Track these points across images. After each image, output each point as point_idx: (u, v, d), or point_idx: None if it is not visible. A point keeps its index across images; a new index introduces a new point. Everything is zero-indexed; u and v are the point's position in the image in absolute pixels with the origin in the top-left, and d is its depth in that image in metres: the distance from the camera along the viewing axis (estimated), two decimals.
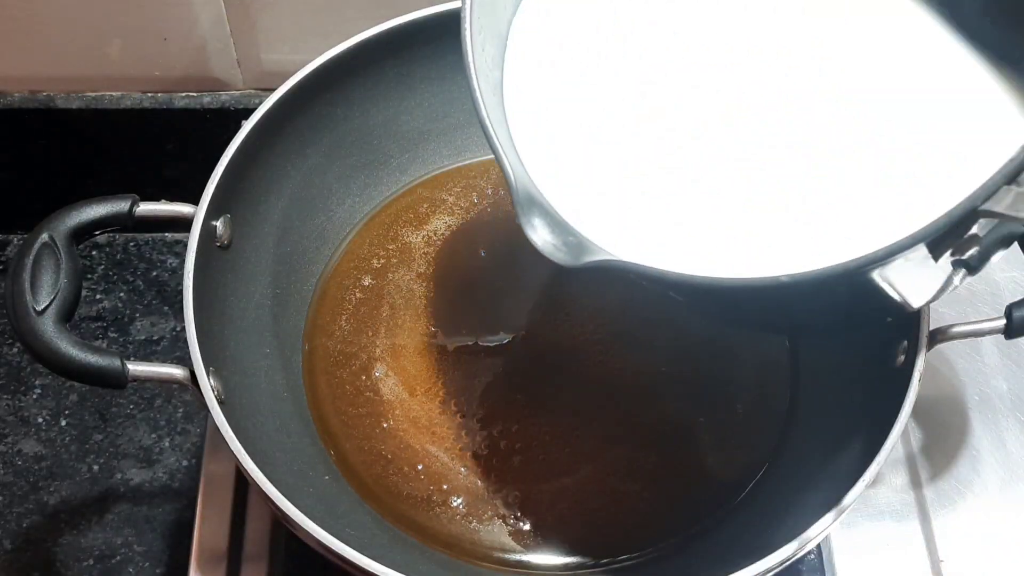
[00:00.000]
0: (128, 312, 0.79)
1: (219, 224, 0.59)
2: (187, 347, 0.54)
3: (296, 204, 0.67)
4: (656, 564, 0.59)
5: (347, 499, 0.61)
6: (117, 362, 0.52)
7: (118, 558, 0.69)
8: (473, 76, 0.48)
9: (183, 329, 0.61)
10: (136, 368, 0.53)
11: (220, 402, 0.53)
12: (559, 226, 0.48)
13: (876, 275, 0.45)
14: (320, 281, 0.68)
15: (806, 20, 0.55)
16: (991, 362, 0.71)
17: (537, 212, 0.47)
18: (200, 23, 0.72)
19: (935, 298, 0.50)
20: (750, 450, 0.63)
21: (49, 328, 0.52)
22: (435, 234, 0.70)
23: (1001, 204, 0.41)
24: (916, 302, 0.50)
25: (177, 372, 0.54)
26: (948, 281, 0.47)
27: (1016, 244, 0.55)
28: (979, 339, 0.70)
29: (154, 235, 0.82)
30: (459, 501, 0.61)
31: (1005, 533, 0.66)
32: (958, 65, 0.52)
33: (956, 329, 0.56)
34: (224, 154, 0.59)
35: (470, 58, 0.48)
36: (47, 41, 0.73)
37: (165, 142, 0.78)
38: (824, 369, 0.64)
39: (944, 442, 0.69)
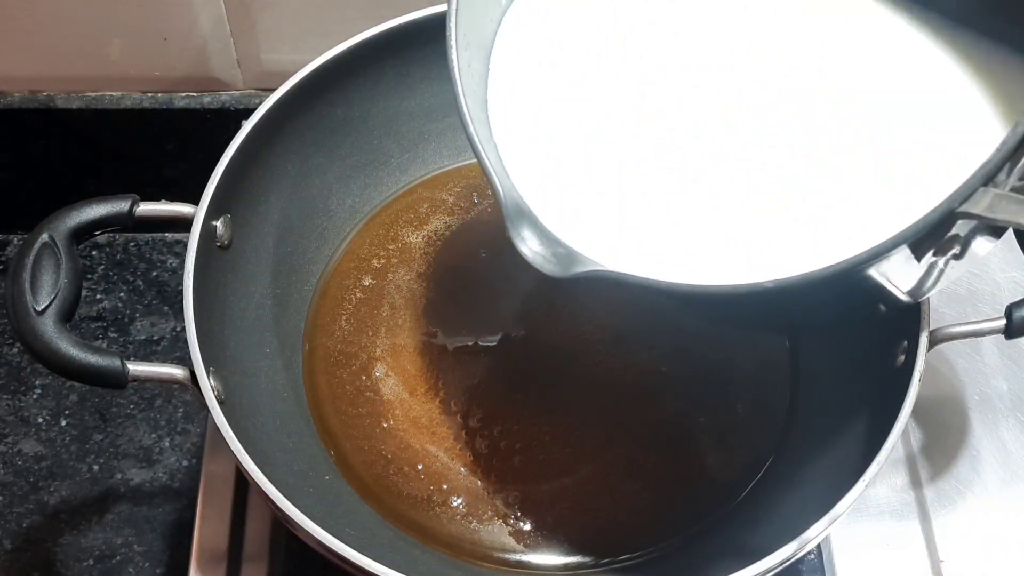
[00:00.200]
0: (128, 312, 0.79)
1: (219, 224, 0.59)
2: (187, 347, 0.54)
3: (296, 204, 0.67)
4: (656, 564, 0.59)
5: (347, 499, 0.61)
6: (117, 362, 0.52)
7: (118, 558, 0.69)
8: (460, 95, 0.49)
9: (183, 329, 0.61)
10: (136, 368, 0.53)
11: (220, 402, 0.53)
12: (548, 238, 0.48)
13: (869, 273, 0.46)
14: (320, 281, 0.68)
15: (806, 20, 0.55)
16: (991, 362, 0.71)
17: (526, 224, 0.48)
18: (200, 23, 0.72)
19: (930, 291, 0.50)
20: (750, 450, 0.63)
21: (49, 328, 0.52)
22: (435, 234, 0.70)
23: (979, 206, 0.41)
24: (913, 296, 0.50)
25: (177, 372, 0.54)
26: (940, 273, 0.47)
27: (1016, 242, 0.55)
28: (979, 339, 0.70)
29: (154, 235, 0.82)
30: (459, 501, 0.61)
31: (1005, 533, 0.66)
32: (945, 67, 0.52)
33: (956, 329, 0.56)
34: (224, 154, 0.59)
35: (457, 76, 0.49)
36: (47, 41, 0.73)
37: (165, 142, 0.78)
38: (824, 369, 0.64)
39: (944, 442, 0.69)
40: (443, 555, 0.60)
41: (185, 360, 0.54)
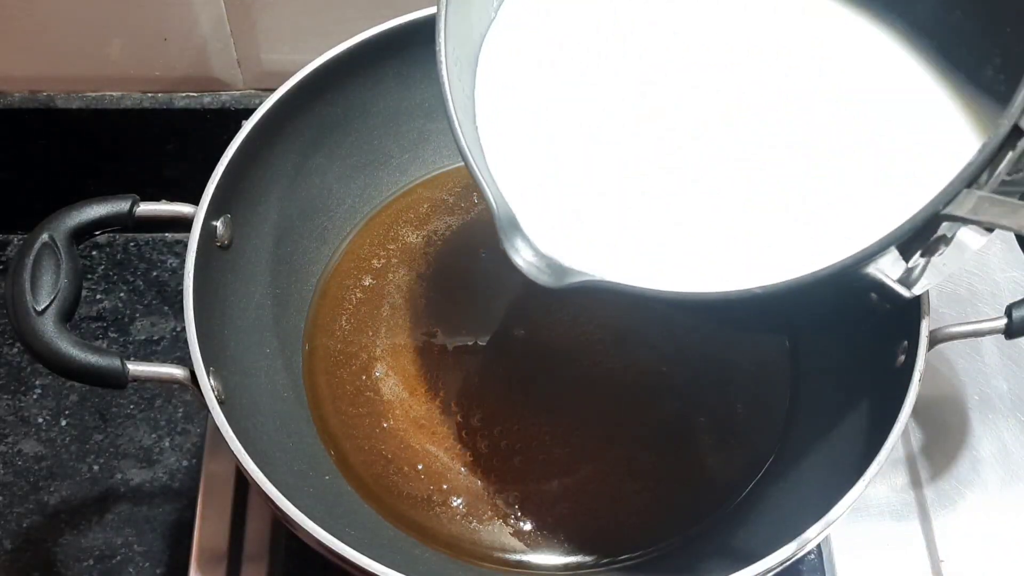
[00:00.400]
0: (128, 312, 0.79)
1: (219, 224, 0.59)
2: (187, 347, 0.54)
3: (296, 204, 0.67)
4: (656, 564, 0.59)
5: (347, 499, 0.61)
6: (117, 362, 0.52)
7: (118, 558, 0.69)
8: (451, 109, 0.49)
9: (183, 329, 0.61)
10: (136, 368, 0.53)
11: (220, 402, 0.53)
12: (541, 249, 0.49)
13: (863, 272, 0.46)
14: (320, 281, 0.68)
15: (806, 20, 0.55)
16: (991, 362, 0.71)
17: (519, 235, 0.49)
18: (200, 23, 0.72)
19: (926, 285, 0.50)
20: (750, 450, 0.63)
21: (49, 328, 0.52)
22: (435, 234, 0.70)
23: (962, 208, 0.41)
24: (907, 286, 0.50)
25: (177, 372, 0.54)
26: (935, 268, 0.48)
27: (1016, 242, 0.55)
28: (979, 339, 0.70)
29: (154, 235, 0.82)
30: (459, 501, 0.61)
31: (1005, 533, 0.66)
32: (927, 74, 0.53)
33: (956, 329, 0.56)
34: (224, 154, 0.59)
35: (447, 93, 0.49)
36: (47, 41, 0.73)
37: (165, 142, 0.78)
38: (824, 369, 0.64)
39: (944, 442, 0.69)
40: (443, 555, 0.60)
41: (185, 360, 0.54)
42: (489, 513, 0.61)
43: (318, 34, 0.71)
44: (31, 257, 0.53)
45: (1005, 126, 0.41)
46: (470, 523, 0.61)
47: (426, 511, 0.61)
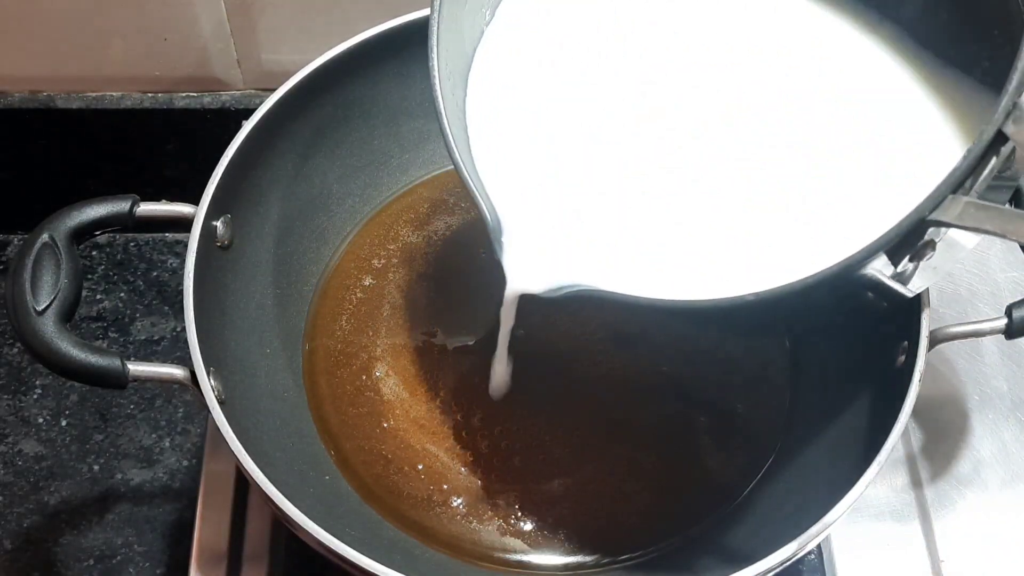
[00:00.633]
0: (128, 312, 0.79)
1: (219, 224, 0.59)
2: (187, 347, 0.54)
3: (296, 204, 0.67)
4: (656, 564, 0.59)
5: (347, 499, 0.61)
6: (117, 362, 0.52)
7: (118, 558, 0.69)
8: (445, 123, 0.50)
9: (183, 329, 0.61)
10: (136, 368, 0.53)
11: (220, 402, 0.53)
12: (533, 259, 0.50)
13: (859, 274, 0.46)
14: (320, 281, 0.68)
15: (805, 21, 0.55)
16: (991, 362, 0.71)
17: (513, 245, 0.50)
18: (201, 23, 0.72)
19: (926, 284, 0.50)
20: (750, 450, 0.63)
21: (49, 328, 0.52)
22: (435, 234, 0.70)
23: (948, 214, 0.41)
24: (902, 282, 0.50)
25: (177, 372, 0.54)
26: (931, 267, 0.48)
27: (1016, 244, 0.55)
28: (979, 339, 0.70)
29: (154, 235, 0.82)
30: (459, 501, 0.61)
31: (1005, 533, 0.66)
32: (916, 77, 0.53)
33: (956, 329, 0.56)
34: (224, 154, 0.59)
35: (441, 106, 0.50)
36: (47, 41, 0.73)
37: (165, 142, 0.78)
38: (824, 369, 0.64)
39: (944, 442, 0.69)
40: (443, 555, 0.60)
41: (185, 360, 0.54)
42: (489, 513, 0.61)
43: (318, 34, 0.71)
44: (31, 257, 0.53)
45: (989, 132, 0.41)
46: (470, 523, 0.61)
47: (426, 511, 0.61)
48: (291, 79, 0.62)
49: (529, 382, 0.65)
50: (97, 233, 0.55)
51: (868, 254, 0.43)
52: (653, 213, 0.50)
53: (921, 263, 0.46)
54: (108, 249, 0.81)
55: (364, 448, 0.63)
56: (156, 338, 0.77)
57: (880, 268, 0.45)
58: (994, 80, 0.48)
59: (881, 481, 0.67)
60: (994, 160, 0.42)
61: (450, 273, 0.69)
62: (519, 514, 0.61)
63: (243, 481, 0.64)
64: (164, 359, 0.75)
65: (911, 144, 0.50)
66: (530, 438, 0.63)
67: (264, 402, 0.61)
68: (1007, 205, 0.46)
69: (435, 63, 0.50)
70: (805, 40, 0.55)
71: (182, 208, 0.57)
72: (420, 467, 0.62)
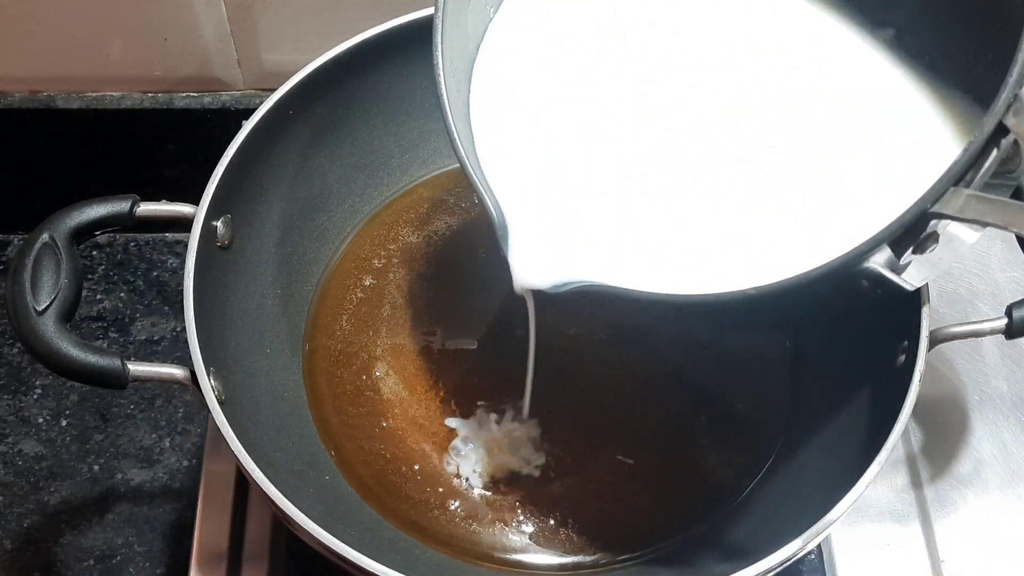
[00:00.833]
0: (129, 312, 0.79)
1: (219, 224, 0.59)
2: (188, 347, 0.54)
3: (296, 204, 0.67)
4: (656, 564, 0.59)
5: (347, 499, 0.61)
6: (118, 362, 0.52)
7: (118, 558, 0.69)
8: (450, 120, 0.50)
9: (184, 329, 0.61)
10: (137, 368, 0.53)
11: (220, 402, 0.53)
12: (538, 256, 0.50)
13: (861, 268, 0.46)
14: (321, 281, 0.68)
15: (805, 21, 0.55)
16: (991, 362, 0.71)
17: (518, 241, 0.50)
18: (201, 23, 0.72)
19: (929, 276, 0.50)
20: (750, 450, 0.63)
21: (50, 328, 0.52)
22: (435, 234, 0.70)
23: (950, 207, 0.42)
24: (910, 285, 0.50)
25: (178, 372, 0.54)
26: (930, 261, 0.48)
27: (1016, 242, 0.55)
28: (979, 339, 0.70)
29: (154, 235, 0.82)
30: (458, 502, 0.61)
31: (1005, 533, 0.66)
32: (925, 70, 0.53)
33: (956, 329, 0.56)
34: (224, 154, 0.59)
35: (446, 104, 0.50)
36: (47, 41, 0.73)
37: (165, 142, 0.78)
38: (824, 369, 0.64)
39: (944, 442, 0.69)
40: (443, 555, 0.60)
41: (185, 360, 0.54)
42: (489, 514, 0.61)
43: (318, 34, 0.71)
44: (31, 257, 0.53)
45: (990, 124, 0.41)
46: (470, 523, 0.61)
47: (425, 511, 0.61)
48: (291, 79, 0.62)
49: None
50: (97, 233, 0.55)
51: (871, 246, 0.43)
52: (656, 210, 0.51)
53: (923, 256, 0.46)
54: (108, 249, 0.81)
55: (364, 448, 0.63)
56: (156, 338, 0.77)
57: (882, 262, 0.45)
58: (995, 76, 0.48)
59: (881, 481, 0.67)
60: (995, 153, 0.42)
61: (450, 273, 0.69)
62: (519, 514, 0.61)
63: (243, 481, 0.64)
64: (164, 359, 0.74)
65: (909, 143, 0.50)
66: None
67: (264, 402, 0.61)
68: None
69: (440, 60, 0.50)
70: (804, 41, 0.55)
71: (182, 208, 0.57)
72: (416, 467, 0.62)
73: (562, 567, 0.60)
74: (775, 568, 0.50)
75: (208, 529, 0.63)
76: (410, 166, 0.72)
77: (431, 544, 0.60)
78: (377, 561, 0.49)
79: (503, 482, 0.62)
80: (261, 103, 0.61)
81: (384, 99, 0.68)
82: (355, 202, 0.70)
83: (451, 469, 0.62)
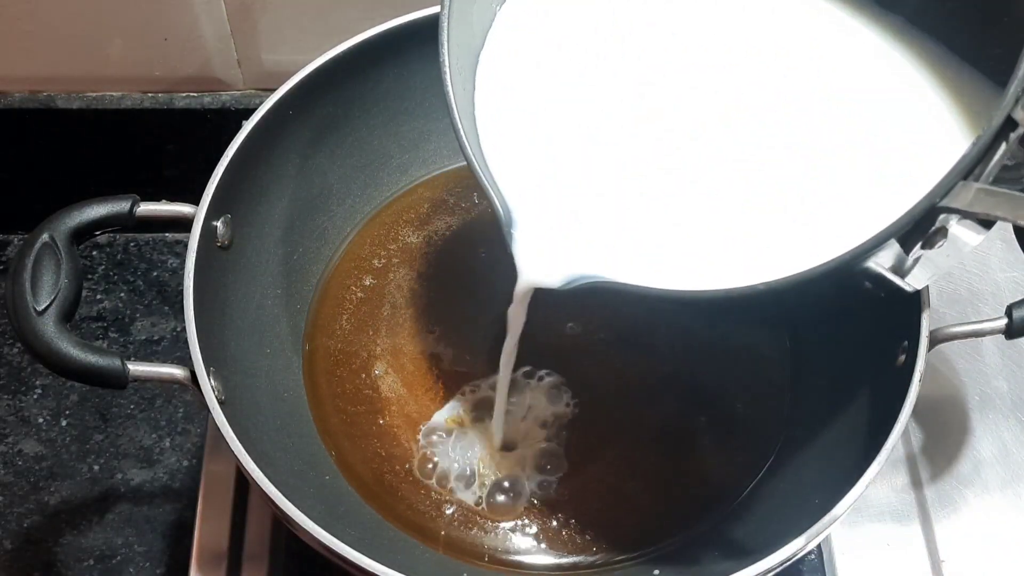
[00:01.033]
0: (129, 312, 0.79)
1: (220, 224, 0.59)
2: (188, 347, 0.54)
3: (297, 204, 0.67)
4: (656, 564, 0.59)
5: (347, 499, 0.61)
6: (118, 362, 0.52)
7: (118, 558, 0.69)
8: (457, 118, 0.50)
9: (184, 329, 0.61)
10: (137, 368, 0.53)
11: (220, 402, 0.53)
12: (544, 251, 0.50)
13: (863, 266, 0.46)
14: (321, 281, 0.68)
15: (804, 22, 0.55)
16: (991, 362, 0.71)
17: (524, 238, 0.49)
18: (201, 23, 0.72)
19: (930, 278, 0.50)
20: (750, 450, 0.63)
21: (50, 328, 0.52)
22: (435, 234, 0.70)
23: (959, 200, 0.42)
24: (914, 284, 0.50)
25: (178, 372, 0.54)
26: (933, 262, 0.48)
27: (1016, 242, 0.55)
28: (979, 339, 0.70)
29: (155, 235, 0.82)
30: (455, 503, 0.61)
31: (1005, 533, 0.66)
32: (923, 70, 0.53)
33: (957, 329, 0.56)
34: (224, 154, 0.59)
35: (452, 102, 0.50)
36: (47, 41, 0.73)
37: (165, 142, 0.78)
38: (824, 369, 0.64)
39: (944, 442, 0.69)
40: (443, 555, 0.60)
41: (185, 360, 0.54)
42: (487, 515, 0.61)
43: (318, 34, 0.71)
44: (31, 257, 0.53)
45: (999, 118, 0.41)
46: (468, 524, 0.61)
47: (423, 512, 0.61)
48: (291, 79, 0.62)
49: (529, 381, 0.65)
50: (97, 233, 0.55)
51: (880, 241, 0.43)
52: (661, 207, 0.50)
53: (925, 254, 0.46)
54: (108, 249, 0.81)
55: (363, 447, 0.63)
56: (156, 338, 0.77)
57: (889, 258, 0.45)
58: (1004, 70, 0.48)
59: (881, 481, 0.67)
60: (1004, 146, 0.42)
61: (450, 273, 0.69)
62: (518, 514, 0.61)
63: (243, 481, 0.64)
64: (164, 359, 0.75)
65: (917, 139, 0.50)
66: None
67: (264, 402, 0.61)
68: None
69: (446, 57, 0.50)
70: (805, 36, 0.55)
71: (182, 208, 0.57)
72: (408, 466, 0.62)
73: (562, 567, 0.60)
74: (775, 568, 0.50)
75: (208, 529, 0.63)
76: (410, 166, 0.72)
77: (431, 544, 0.60)
78: (377, 561, 0.49)
79: (502, 482, 0.62)
80: (261, 103, 0.61)
81: (384, 99, 0.68)
82: (355, 202, 0.70)
83: (442, 469, 0.62)
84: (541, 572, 0.60)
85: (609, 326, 0.66)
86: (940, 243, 0.45)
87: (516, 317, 0.54)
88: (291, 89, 0.62)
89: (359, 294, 0.68)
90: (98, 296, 0.79)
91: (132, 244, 0.82)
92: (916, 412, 0.53)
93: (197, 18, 0.72)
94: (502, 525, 0.61)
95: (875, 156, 0.50)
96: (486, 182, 0.50)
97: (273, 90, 0.62)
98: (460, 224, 0.71)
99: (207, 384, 0.53)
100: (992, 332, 0.56)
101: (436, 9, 0.63)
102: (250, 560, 0.62)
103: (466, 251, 0.70)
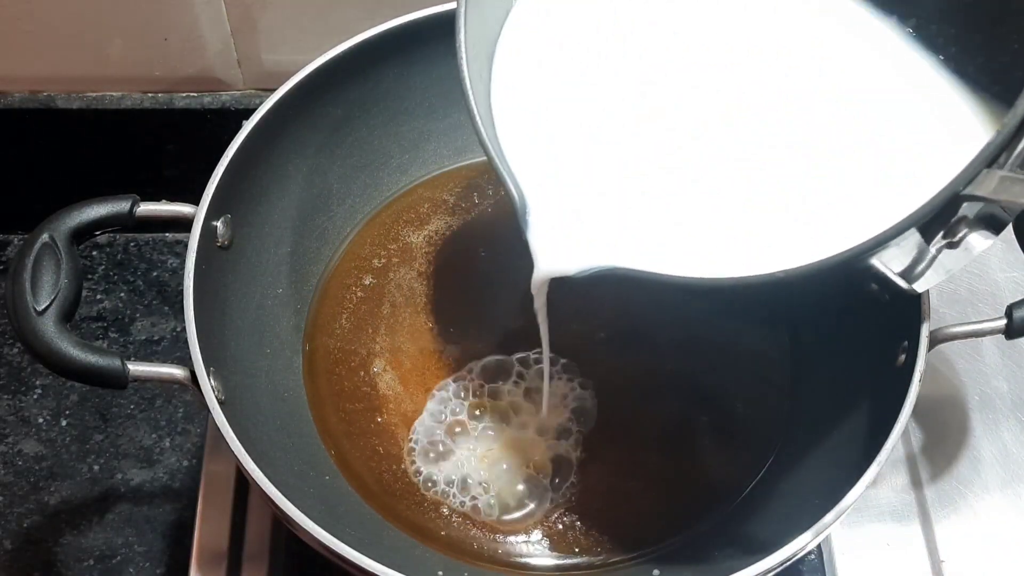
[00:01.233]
0: (129, 312, 0.79)
1: (219, 224, 0.59)
2: (188, 347, 0.54)
3: (297, 204, 0.67)
4: (656, 564, 0.59)
5: (347, 499, 0.61)
6: (118, 362, 0.52)
7: (118, 558, 0.69)
8: (474, 107, 0.49)
9: (183, 329, 0.61)
10: (137, 368, 0.53)
11: (220, 402, 0.53)
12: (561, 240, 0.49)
13: (873, 262, 0.46)
14: (321, 281, 0.68)
15: (805, 21, 0.55)
16: (991, 362, 0.71)
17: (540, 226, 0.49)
18: (201, 23, 0.72)
19: (931, 279, 0.50)
20: (751, 450, 0.63)
21: (50, 328, 0.52)
22: (436, 234, 0.70)
23: (984, 188, 0.42)
24: (909, 280, 0.50)
25: (178, 372, 0.54)
26: (938, 262, 0.48)
27: (1016, 242, 0.55)
28: (979, 339, 0.70)
29: (155, 235, 0.82)
30: (456, 502, 0.61)
31: (1005, 533, 0.66)
32: (935, 67, 0.53)
33: (957, 329, 0.56)
34: (225, 154, 0.59)
35: (469, 90, 0.50)
36: (47, 41, 0.73)
37: (165, 142, 0.78)
38: (824, 369, 0.64)
39: (944, 442, 0.69)
40: (443, 555, 0.60)
41: (185, 360, 0.54)
42: (485, 515, 0.61)
43: (318, 34, 0.71)
44: (31, 257, 0.53)
45: (1023, 105, 0.41)
46: (470, 524, 0.61)
47: (421, 513, 0.61)
48: (291, 79, 0.62)
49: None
50: (97, 233, 0.55)
51: (902, 229, 0.43)
52: (676, 196, 0.50)
53: (939, 258, 0.46)
54: (108, 249, 0.81)
55: (361, 445, 0.63)
56: (156, 338, 0.77)
57: (903, 255, 0.45)
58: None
59: (881, 481, 0.67)
60: None
61: (450, 272, 0.69)
62: (517, 515, 0.61)
63: (243, 481, 0.64)
64: (164, 359, 0.74)
65: (916, 141, 0.50)
66: None
67: (264, 402, 0.61)
68: None
69: (462, 45, 0.50)
70: (806, 37, 0.55)
71: (182, 208, 0.57)
72: (402, 466, 0.62)
73: (562, 567, 0.60)
74: (775, 568, 0.50)
75: (208, 529, 0.63)
76: (410, 166, 0.72)
77: (431, 544, 0.60)
78: (377, 561, 0.49)
79: (502, 483, 0.62)
80: (261, 103, 0.61)
81: (384, 99, 0.68)
82: (355, 202, 0.70)
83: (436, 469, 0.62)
84: (541, 572, 0.60)
85: (610, 326, 0.66)
86: (962, 232, 0.44)
87: (540, 309, 0.54)
88: (291, 89, 0.62)
89: (359, 293, 0.68)
90: (98, 296, 0.79)
91: (132, 244, 0.82)
92: (916, 412, 0.53)
93: (197, 18, 0.72)
94: (500, 526, 0.61)
95: (878, 157, 0.50)
96: (502, 169, 0.49)
97: (273, 90, 0.62)
98: (460, 224, 0.71)
99: (207, 384, 0.53)
100: (992, 332, 0.56)
101: (436, 9, 0.64)
102: (250, 560, 0.62)
103: (466, 251, 0.70)
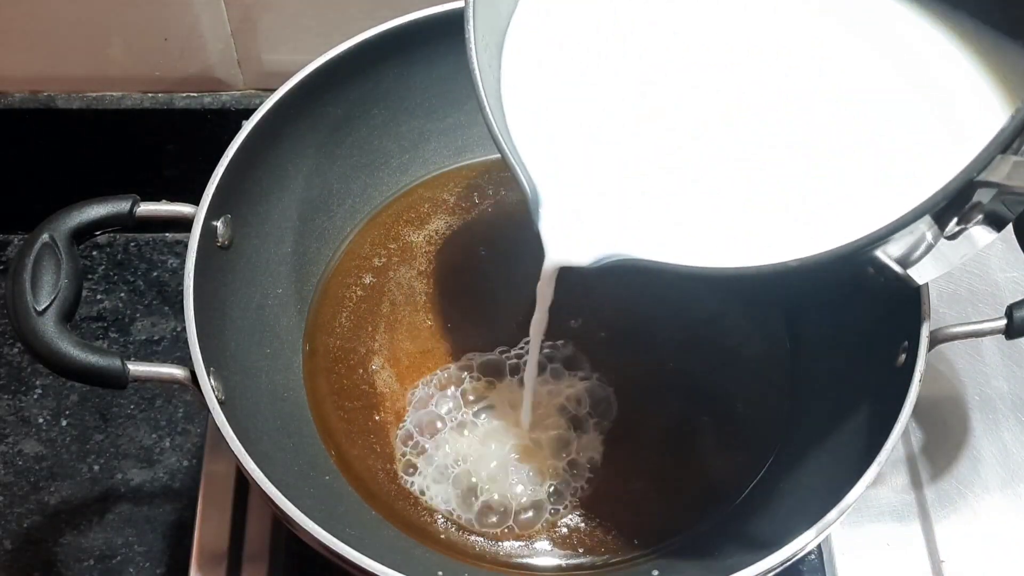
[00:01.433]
0: (129, 312, 0.79)
1: (219, 224, 0.59)
2: (188, 347, 0.54)
3: (297, 204, 0.67)
4: (656, 564, 0.59)
5: (347, 499, 0.61)
6: (118, 362, 0.52)
7: (119, 558, 0.69)
8: (483, 97, 0.49)
9: (184, 329, 0.61)
10: (137, 368, 0.53)
11: (220, 402, 0.53)
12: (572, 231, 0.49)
13: (881, 255, 0.46)
14: (321, 281, 0.68)
15: (806, 20, 0.55)
16: (991, 362, 0.71)
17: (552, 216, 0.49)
18: (201, 23, 0.72)
19: (935, 273, 0.50)
20: (751, 450, 0.63)
21: (50, 328, 0.52)
22: (436, 234, 0.70)
23: (998, 174, 0.41)
24: (903, 266, 0.50)
25: (178, 372, 0.54)
26: (944, 256, 0.48)
27: (1016, 242, 0.55)
28: (980, 339, 0.70)
29: (155, 235, 0.82)
30: (456, 502, 0.61)
31: (1005, 533, 0.66)
32: (946, 54, 0.53)
33: (957, 329, 0.56)
34: (225, 154, 0.59)
35: (478, 79, 0.49)
36: (47, 41, 0.73)
37: (165, 142, 0.78)
38: (825, 369, 0.64)
39: (945, 442, 0.69)
40: (443, 555, 0.60)
41: (185, 360, 0.54)
42: (484, 516, 0.61)
43: (318, 34, 0.71)
44: (31, 257, 0.53)
45: None
46: (470, 524, 0.61)
47: (420, 514, 0.61)
48: (291, 79, 0.62)
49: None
50: (97, 233, 0.55)
51: (916, 216, 0.42)
52: (688, 187, 0.50)
53: (939, 248, 0.45)
54: (108, 249, 0.81)
55: (360, 444, 0.63)
56: (156, 338, 0.77)
57: (911, 243, 0.45)
58: None
59: (881, 481, 0.67)
60: None
61: (450, 272, 0.69)
62: (518, 515, 0.61)
63: (243, 481, 0.64)
64: (164, 359, 0.74)
65: (916, 141, 0.50)
66: None
67: (264, 402, 0.61)
68: None
69: (471, 34, 0.50)
70: (806, 37, 0.55)
71: (182, 208, 0.57)
72: (397, 466, 0.62)
73: (562, 568, 0.60)
74: (775, 568, 0.50)
75: (208, 529, 0.63)
76: (410, 166, 0.72)
77: (431, 544, 0.60)
78: (377, 561, 0.49)
79: (502, 483, 0.62)
80: (261, 103, 0.61)
81: (384, 99, 0.68)
82: (355, 202, 0.70)
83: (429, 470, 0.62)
84: (541, 572, 0.60)
85: (610, 325, 0.66)
86: (976, 218, 0.44)
87: (544, 295, 0.54)
88: (291, 89, 0.62)
89: (359, 292, 0.68)
90: (98, 296, 0.79)
91: (132, 244, 0.82)
92: (916, 412, 0.53)
93: (197, 18, 0.72)
94: (503, 526, 0.61)
95: (878, 157, 0.50)
96: (513, 160, 0.49)
97: (273, 90, 0.62)
98: (460, 224, 0.71)
99: (207, 384, 0.53)
100: (992, 332, 0.56)
101: (436, 9, 0.64)
102: (250, 560, 0.62)
103: (466, 250, 0.70)
